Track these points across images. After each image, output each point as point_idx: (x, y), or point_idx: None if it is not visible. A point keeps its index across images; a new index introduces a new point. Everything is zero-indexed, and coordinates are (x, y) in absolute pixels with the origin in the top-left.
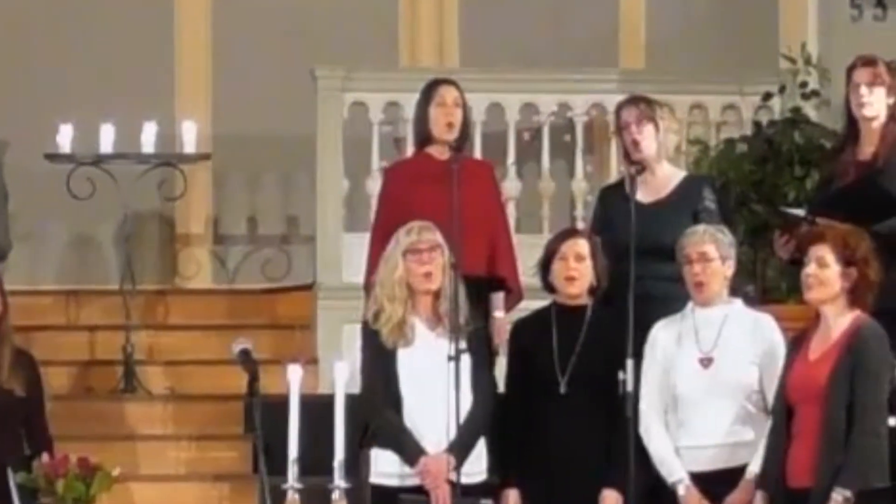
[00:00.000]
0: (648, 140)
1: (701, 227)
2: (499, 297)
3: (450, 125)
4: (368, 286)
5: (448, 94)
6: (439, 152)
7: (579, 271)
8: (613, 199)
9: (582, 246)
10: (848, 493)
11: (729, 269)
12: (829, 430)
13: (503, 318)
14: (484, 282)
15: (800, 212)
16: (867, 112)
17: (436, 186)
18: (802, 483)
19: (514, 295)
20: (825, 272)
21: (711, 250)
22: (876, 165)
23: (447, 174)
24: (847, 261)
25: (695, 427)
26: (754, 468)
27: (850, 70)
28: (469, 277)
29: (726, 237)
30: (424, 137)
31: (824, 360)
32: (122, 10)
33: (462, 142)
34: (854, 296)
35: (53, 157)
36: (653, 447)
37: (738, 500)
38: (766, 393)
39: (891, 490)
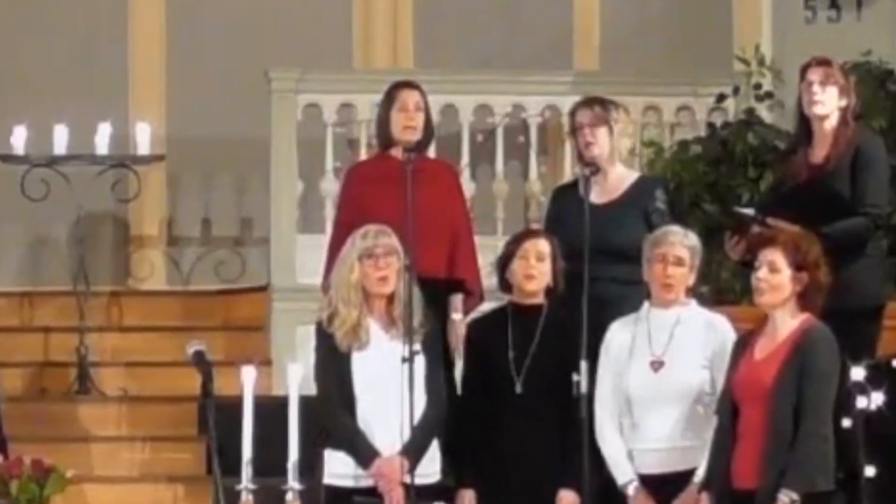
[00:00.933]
0: (602, 142)
1: (681, 230)
2: (457, 299)
3: (411, 128)
4: (326, 288)
5: (410, 97)
6: (401, 154)
7: (539, 270)
8: (566, 199)
9: (543, 246)
10: (794, 496)
11: (692, 278)
12: (774, 430)
13: (461, 321)
14: (443, 284)
15: (750, 211)
16: (818, 110)
17: (396, 187)
18: (748, 484)
19: (474, 297)
20: (777, 277)
21: (687, 256)
22: (827, 167)
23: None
24: (798, 265)
25: (647, 430)
26: (702, 472)
27: (804, 69)
28: (427, 279)
29: (699, 246)
30: (387, 140)
31: (770, 361)
32: (76, 11)
33: (425, 144)
34: (804, 299)
35: (7, 158)
36: (605, 449)
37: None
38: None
39: (836, 492)
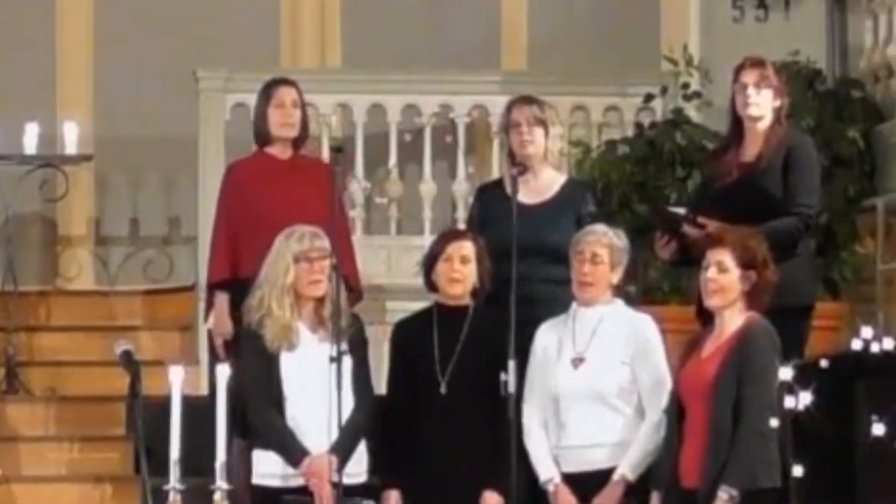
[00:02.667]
0: (537, 142)
1: (602, 228)
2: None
3: (287, 125)
4: (214, 286)
5: (286, 95)
6: (280, 151)
7: (463, 273)
8: (493, 198)
9: (468, 248)
10: (734, 492)
11: (616, 275)
12: (715, 428)
13: None
14: None
15: (681, 210)
16: (753, 112)
17: (277, 185)
18: (693, 482)
19: (355, 294)
20: (725, 277)
21: (605, 253)
22: (759, 166)
23: (288, 173)
24: (747, 264)
25: (572, 428)
26: (623, 469)
27: (738, 70)
28: None
29: (622, 243)
30: (264, 137)
31: (713, 359)
32: (2, 11)
33: (301, 141)
34: (752, 298)
35: None
36: (530, 447)
37: (605, 502)
38: (641, 393)
39: (781, 490)
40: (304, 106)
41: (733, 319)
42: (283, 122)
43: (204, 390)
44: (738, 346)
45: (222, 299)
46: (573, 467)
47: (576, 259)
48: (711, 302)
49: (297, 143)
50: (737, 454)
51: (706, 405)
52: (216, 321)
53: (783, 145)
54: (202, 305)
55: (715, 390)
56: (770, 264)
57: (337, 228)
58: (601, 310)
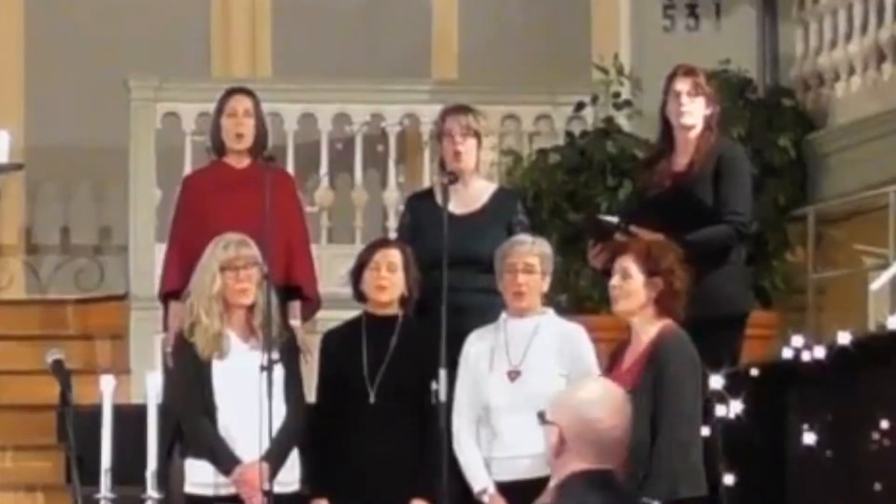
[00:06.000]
0: (469, 153)
1: (529, 238)
2: (295, 306)
3: (240, 135)
4: (168, 296)
5: (239, 104)
6: (236, 161)
7: (391, 281)
8: (423, 208)
9: (394, 256)
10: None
11: (546, 284)
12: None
13: (299, 328)
14: (281, 290)
15: (614, 219)
16: (686, 121)
17: (234, 195)
18: None
19: (312, 304)
20: (629, 283)
21: (536, 263)
22: (691, 175)
23: (244, 182)
24: (651, 271)
25: (505, 438)
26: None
27: (670, 78)
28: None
29: (550, 251)
30: (220, 147)
31: (631, 370)
32: None
33: (257, 150)
34: (661, 305)
35: None
36: (461, 457)
37: None
38: None
39: (711, 499)
40: (260, 116)
41: (646, 328)
42: (234, 131)
43: (135, 399)
44: (652, 358)
45: (176, 309)
46: (506, 476)
47: (507, 270)
48: (616, 307)
49: (254, 151)
50: (656, 466)
51: None
52: (170, 330)
53: (714, 153)
54: (134, 315)
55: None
56: (678, 272)
57: (295, 237)
58: (534, 320)
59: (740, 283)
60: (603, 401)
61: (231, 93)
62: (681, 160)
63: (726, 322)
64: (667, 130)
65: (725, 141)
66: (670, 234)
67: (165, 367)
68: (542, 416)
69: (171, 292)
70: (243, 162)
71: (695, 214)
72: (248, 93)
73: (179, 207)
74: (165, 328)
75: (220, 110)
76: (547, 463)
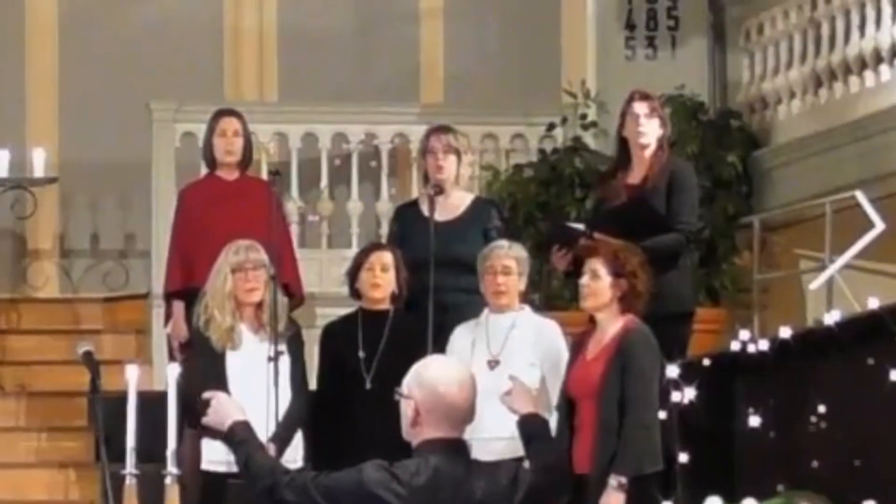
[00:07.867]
0: (450, 168)
1: (506, 243)
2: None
3: (230, 152)
4: (171, 296)
5: (228, 125)
6: (226, 174)
7: (384, 279)
8: (410, 217)
9: (387, 258)
10: (623, 479)
11: (522, 283)
12: (603, 423)
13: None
14: None
15: (580, 227)
16: (643, 140)
17: (227, 205)
18: (583, 470)
19: (297, 300)
20: (597, 283)
21: (513, 265)
22: (645, 188)
23: (234, 193)
24: (617, 273)
25: (484, 421)
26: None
27: (628, 102)
28: None
29: (525, 255)
30: (211, 161)
31: (598, 360)
32: None
33: (245, 164)
34: (625, 303)
35: None
36: None
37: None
38: (550, 391)
39: (663, 473)
40: (247, 134)
41: (610, 322)
42: (225, 149)
43: (156, 387)
44: (621, 349)
45: (178, 307)
46: (484, 456)
47: (487, 272)
48: (585, 304)
49: (242, 165)
50: (624, 446)
51: (594, 402)
52: (173, 326)
53: (666, 170)
54: (156, 312)
55: (602, 389)
56: (640, 274)
57: (280, 241)
58: (512, 315)
59: (689, 284)
60: (452, 378)
61: (221, 114)
62: (636, 174)
63: (676, 318)
64: (623, 148)
65: (676, 158)
66: (629, 241)
67: (170, 350)
68: (399, 393)
69: (173, 292)
70: (233, 174)
71: (649, 223)
72: (236, 114)
73: (178, 217)
74: (167, 323)
75: (211, 129)
76: (404, 433)
